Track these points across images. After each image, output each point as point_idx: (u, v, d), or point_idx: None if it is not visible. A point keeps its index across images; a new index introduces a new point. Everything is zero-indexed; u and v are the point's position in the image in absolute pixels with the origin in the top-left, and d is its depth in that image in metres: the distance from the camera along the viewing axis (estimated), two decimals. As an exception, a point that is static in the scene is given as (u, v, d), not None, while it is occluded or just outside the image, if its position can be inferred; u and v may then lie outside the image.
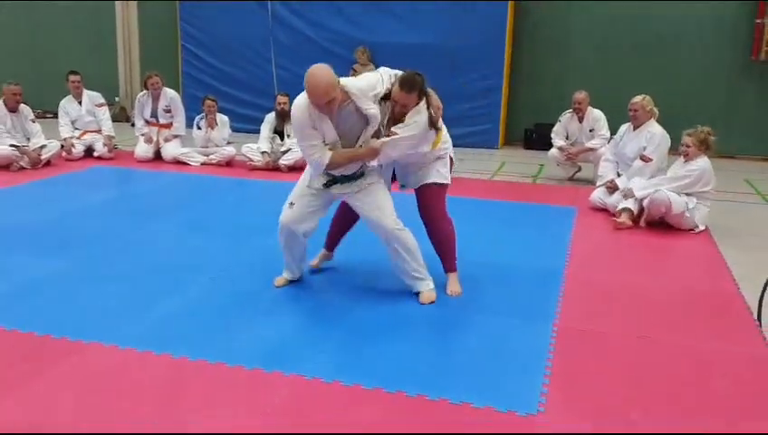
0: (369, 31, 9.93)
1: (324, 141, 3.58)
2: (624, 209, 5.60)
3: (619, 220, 5.54)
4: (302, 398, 2.84)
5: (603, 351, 3.36)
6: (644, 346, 3.42)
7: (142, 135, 8.22)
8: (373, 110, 3.58)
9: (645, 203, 5.49)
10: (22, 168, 7.30)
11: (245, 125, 9.70)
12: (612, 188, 6.05)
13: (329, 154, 3.58)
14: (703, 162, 5.48)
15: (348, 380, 2.95)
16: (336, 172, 3.72)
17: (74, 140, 8.06)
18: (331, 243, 4.37)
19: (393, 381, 2.93)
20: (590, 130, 7.38)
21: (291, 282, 4.10)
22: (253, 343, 3.30)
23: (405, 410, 2.75)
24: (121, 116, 11.36)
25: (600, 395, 2.93)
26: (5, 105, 7.45)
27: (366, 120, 3.60)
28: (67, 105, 8.23)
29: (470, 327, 3.57)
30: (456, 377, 3.02)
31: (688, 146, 5.47)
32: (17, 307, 3.65)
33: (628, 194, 5.71)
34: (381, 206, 3.79)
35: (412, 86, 3.65)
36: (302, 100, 3.53)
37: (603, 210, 6.06)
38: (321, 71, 3.41)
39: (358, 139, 3.64)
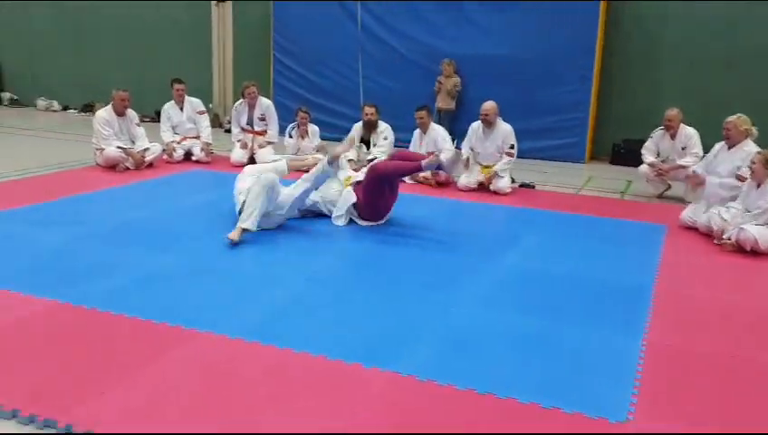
0: (456, 43, 10.09)
1: None
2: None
3: (725, 243, 5.46)
4: (396, 394, 3.00)
5: (693, 366, 3.40)
6: (735, 365, 3.43)
7: (238, 141, 8.63)
8: None
9: (732, 241, 5.39)
10: (127, 168, 7.80)
11: (332, 134, 10.01)
12: (694, 181, 5.90)
13: None
14: None
15: (442, 379, 3.10)
16: None
17: (175, 145, 8.54)
18: None
19: (485, 384, 3.07)
20: (683, 148, 7.29)
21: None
22: (352, 339, 3.51)
23: (496, 412, 2.88)
24: (215, 122, 11.88)
25: (689, 408, 2.98)
26: (114, 110, 7.97)
27: None
28: (170, 110, 8.72)
29: (560, 337, 3.65)
30: (547, 383, 3.13)
31: (753, 163, 5.37)
32: (137, 296, 3.97)
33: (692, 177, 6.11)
34: None
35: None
36: None
37: (694, 229, 6.00)
38: None
39: None
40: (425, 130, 7.86)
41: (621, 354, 3.46)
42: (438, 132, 7.88)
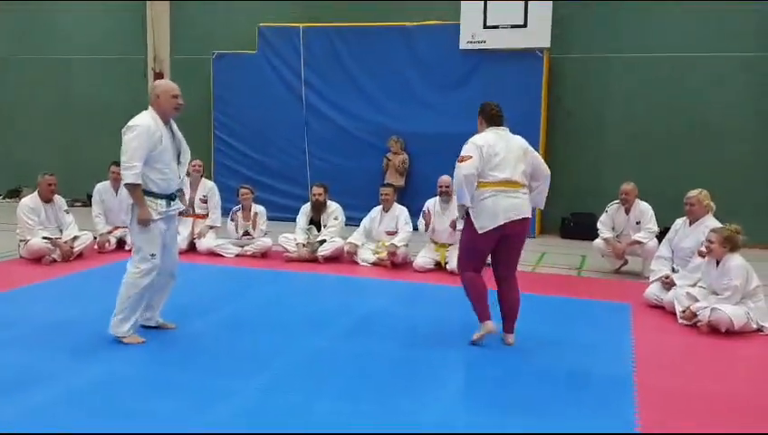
0: (401, 120, 10.04)
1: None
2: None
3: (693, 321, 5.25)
4: None
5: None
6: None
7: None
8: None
9: (705, 323, 5.15)
10: (53, 261, 7.16)
11: (280, 214, 9.64)
12: (669, 283, 5.80)
13: None
14: (737, 262, 5.18)
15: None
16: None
17: (109, 237, 7.94)
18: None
19: None
20: (637, 223, 7.20)
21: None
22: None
23: None
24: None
25: None
26: (40, 196, 7.39)
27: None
28: (104, 193, 8.03)
29: None
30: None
31: (711, 242, 5.26)
32: (65, 415, 3.42)
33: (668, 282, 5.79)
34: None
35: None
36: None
37: (659, 307, 5.80)
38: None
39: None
40: (387, 208, 7.59)
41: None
42: (402, 212, 7.58)
